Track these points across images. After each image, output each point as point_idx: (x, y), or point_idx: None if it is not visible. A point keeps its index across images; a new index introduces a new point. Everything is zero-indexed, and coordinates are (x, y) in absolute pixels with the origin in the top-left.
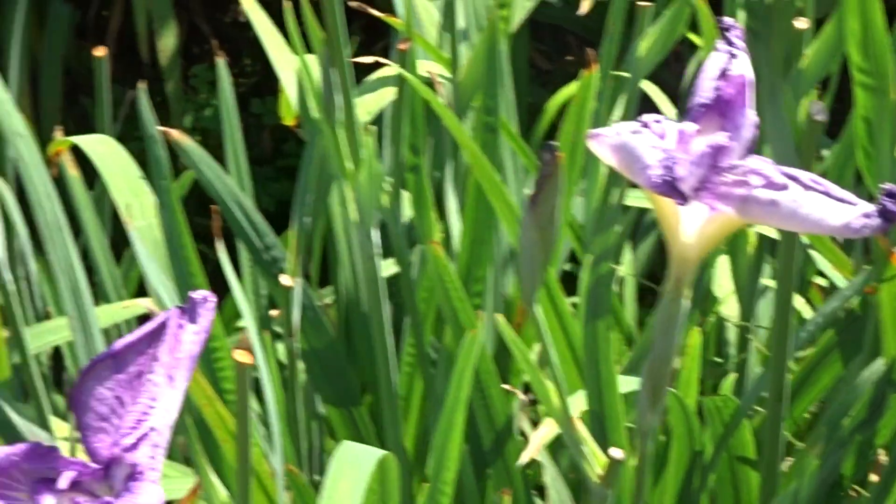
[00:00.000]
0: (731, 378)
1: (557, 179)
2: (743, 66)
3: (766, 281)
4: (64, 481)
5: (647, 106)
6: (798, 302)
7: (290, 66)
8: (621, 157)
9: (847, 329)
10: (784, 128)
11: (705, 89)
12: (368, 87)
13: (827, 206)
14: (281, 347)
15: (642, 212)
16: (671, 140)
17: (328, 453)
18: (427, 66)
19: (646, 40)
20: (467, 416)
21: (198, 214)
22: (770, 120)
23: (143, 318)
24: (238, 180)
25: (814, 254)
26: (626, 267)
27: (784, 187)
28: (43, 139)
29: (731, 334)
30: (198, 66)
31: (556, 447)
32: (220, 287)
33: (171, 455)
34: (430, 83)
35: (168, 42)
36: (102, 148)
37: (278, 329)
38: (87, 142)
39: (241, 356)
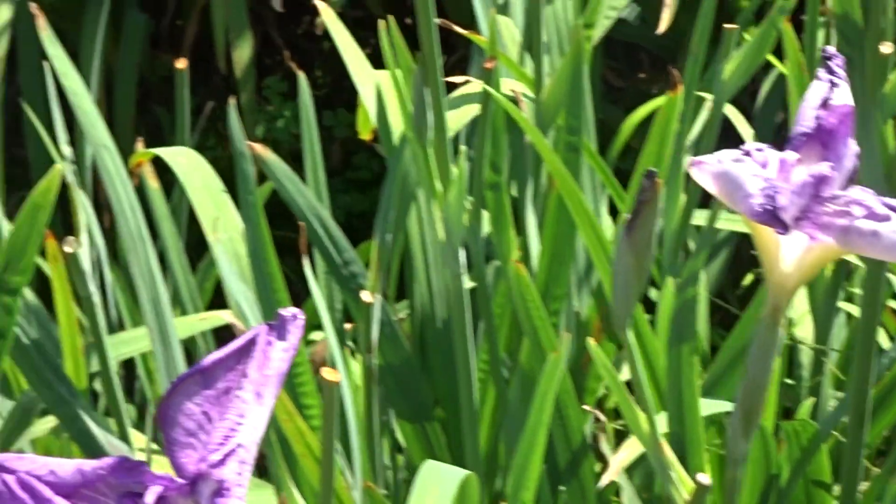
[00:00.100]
0: (809, 402)
1: (655, 206)
2: (844, 96)
3: (842, 304)
4: (150, 496)
5: (724, 127)
6: None
7: (369, 80)
8: (722, 185)
9: None
10: (873, 154)
11: (807, 118)
12: (450, 105)
13: None
14: (351, 361)
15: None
16: (773, 169)
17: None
18: (510, 85)
19: (731, 63)
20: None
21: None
22: (860, 146)
23: (220, 330)
24: (316, 193)
25: (889, 276)
26: (700, 287)
27: (886, 218)
28: (118, 148)
29: (804, 357)
30: (270, 78)
31: (629, 467)
32: (292, 299)
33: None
34: (513, 102)
35: (243, 53)
36: (184, 160)
37: (349, 343)
38: (169, 154)
39: (328, 374)
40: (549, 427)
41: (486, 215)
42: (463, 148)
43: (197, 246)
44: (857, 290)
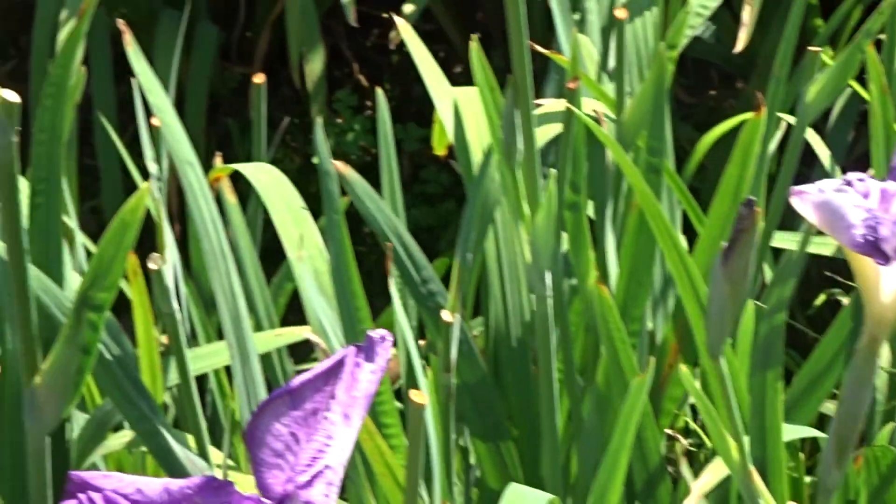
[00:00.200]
0: (889, 427)
1: (754, 234)
2: None
3: None
4: None
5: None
6: None
7: (446, 96)
8: (823, 215)
9: None
10: None
11: None
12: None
13: None
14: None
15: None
16: (874, 199)
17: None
18: (591, 105)
19: (815, 85)
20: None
21: None
22: None
23: (297, 346)
24: (392, 210)
25: None
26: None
27: None
28: None
29: (880, 381)
30: (341, 91)
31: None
32: None
33: None
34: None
35: (315, 67)
36: (265, 177)
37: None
38: (249, 170)
39: (416, 397)
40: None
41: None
42: (553, 171)
43: (269, 260)
44: None
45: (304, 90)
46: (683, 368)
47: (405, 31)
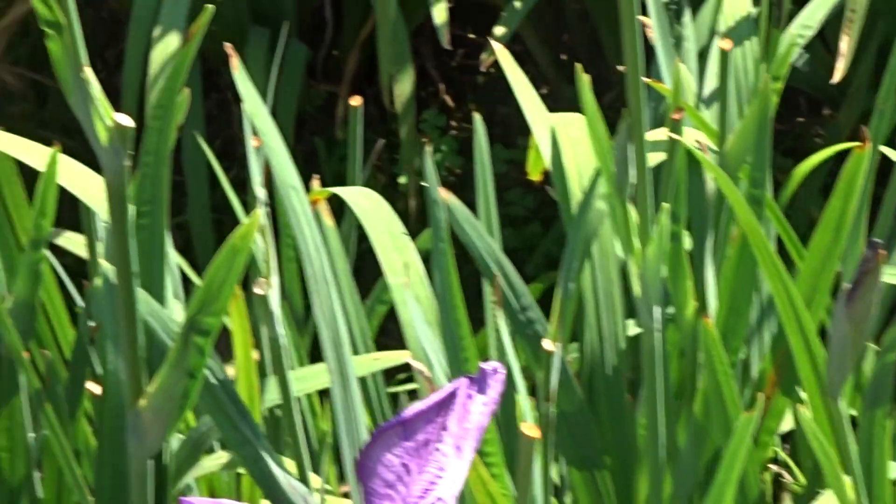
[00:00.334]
0: None
1: (878, 276)
2: None
3: None
4: None
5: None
6: None
7: (543, 121)
8: None
9: None
10: None
11: None
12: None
13: None
14: None
15: None
16: None
17: None
18: (693, 135)
19: None
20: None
21: None
22: None
23: (392, 371)
24: (489, 234)
25: None
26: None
27: None
28: None
29: None
30: (428, 112)
31: None
32: None
33: None
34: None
35: (405, 87)
36: (365, 201)
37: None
38: (348, 193)
39: (528, 430)
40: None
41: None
42: (665, 206)
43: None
44: None
45: (384, 107)
46: (803, 410)
47: (502, 56)
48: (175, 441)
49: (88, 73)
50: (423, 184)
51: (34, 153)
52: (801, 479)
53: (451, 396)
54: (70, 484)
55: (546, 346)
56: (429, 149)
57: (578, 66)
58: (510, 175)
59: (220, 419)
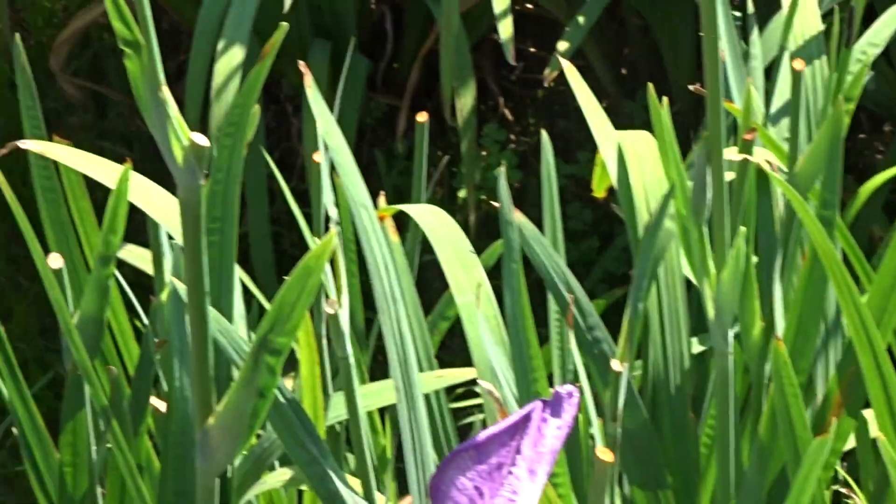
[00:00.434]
0: None
1: None
2: None
3: None
4: None
5: None
6: None
7: (610, 138)
8: None
9: None
10: None
11: None
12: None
13: None
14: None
15: None
16: None
17: None
18: (762, 155)
19: None
20: None
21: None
22: None
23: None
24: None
25: None
26: None
27: None
28: None
29: None
30: (489, 126)
31: None
32: None
33: None
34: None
35: (466, 102)
36: (432, 219)
37: None
38: (415, 211)
39: (602, 454)
40: None
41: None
42: (742, 229)
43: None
44: None
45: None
46: (881, 437)
47: (569, 72)
48: (237, 457)
49: (166, 92)
50: (482, 198)
51: (102, 168)
52: (863, 499)
53: (525, 420)
54: (133, 500)
55: (614, 367)
56: (502, 169)
57: (650, 86)
58: (569, 189)
59: (288, 438)
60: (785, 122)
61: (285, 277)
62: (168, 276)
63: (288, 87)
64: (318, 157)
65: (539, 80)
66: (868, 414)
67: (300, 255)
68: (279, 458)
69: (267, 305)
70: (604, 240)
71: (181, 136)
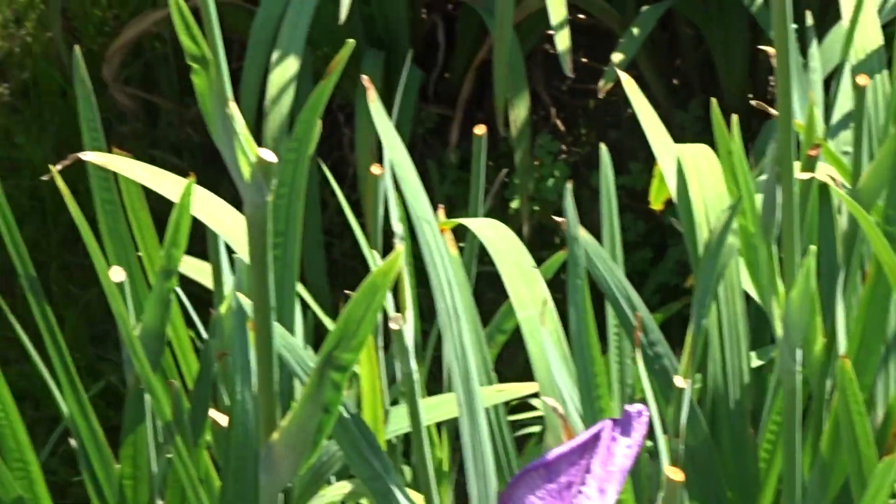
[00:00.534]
0: None
1: None
2: None
3: None
4: None
5: None
6: None
7: (669, 151)
8: None
9: None
10: None
11: None
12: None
13: None
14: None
15: None
16: None
17: None
18: (824, 170)
19: None
20: None
21: None
22: None
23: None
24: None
25: None
26: None
27: None
28: None
29: None
30: (542, 137)
31: None
32: None
33: None
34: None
35: (520, 113)
36: (492, 233)
37: None
38: (477, 224)
39: (672, 473)
40: None
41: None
42: (812, 248)
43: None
44: None
45: (493, 130)
46: None
47: (628, 85)
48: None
49: (233, 107)
50: (535, 208)
51: (162, 180)
52: None
53: (595, 439)
54: None
55: (678, 383)
56: (568, 186)
57: (713, 102)
58: (621, 200)
59: (351, 452)
60: (843, 136)
61: (347, 292)
62: (227, 288)
63: (339, 96)
64: (377, 169)
65: (591, 91)
66: None
67: (352, 264)
68: (336, 472)
69: (322, 316)
70: (656, 251)
71: (248, 152)
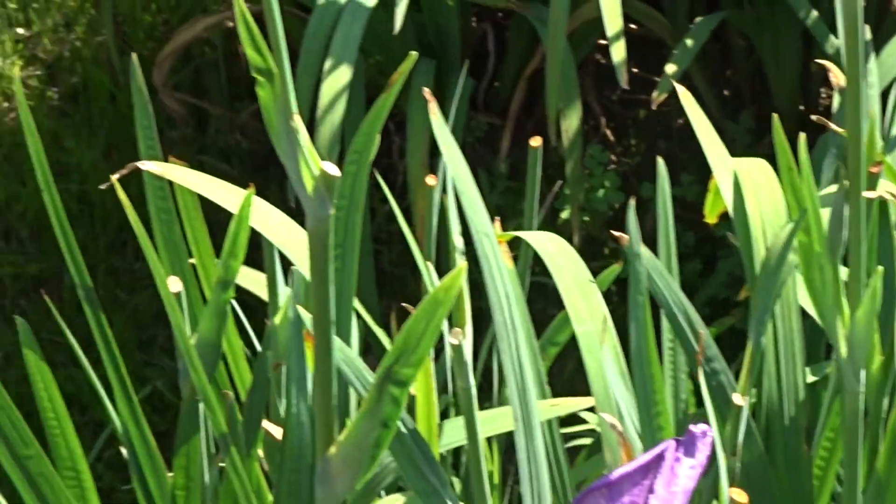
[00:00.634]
0: None
1: None
2: None
3: None
4: None
5: None
6: None
7: (725, 165)
8: None
9: None
10: None
11: None
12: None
13: None
14: None
15: None
16: None
17: None
18: (885, 187)
19: None
20: None
21: None
22: None
23: (568, 419)
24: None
25: None
26: None
27: None
28: None
29: None
30: (593, 147)
31: None
32: None
33: None
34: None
35: (572, 123)
36: (552, 246)
37: None
38: (534, 238)
39: (737, 496)
40: None
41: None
42: (880, 268)
43: None
44: None
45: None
46: None
47: (685, 98)
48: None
49: (297, 121)
50: (585, 219)
51: (219, 189)
52: None
53: (659, 459)
54: None
55: (736, 401)
56: (632, 202)
57: (775, 118)
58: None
59: (408, 467)
60: None
61: (405, 306)
62: (282, 299)
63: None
64: (432, 180)
65: (641, 100)
66: None
67: (400, 272)
68: (386, 485)
69: (374, 326)
70: (706, 262)
71: (312, 166)
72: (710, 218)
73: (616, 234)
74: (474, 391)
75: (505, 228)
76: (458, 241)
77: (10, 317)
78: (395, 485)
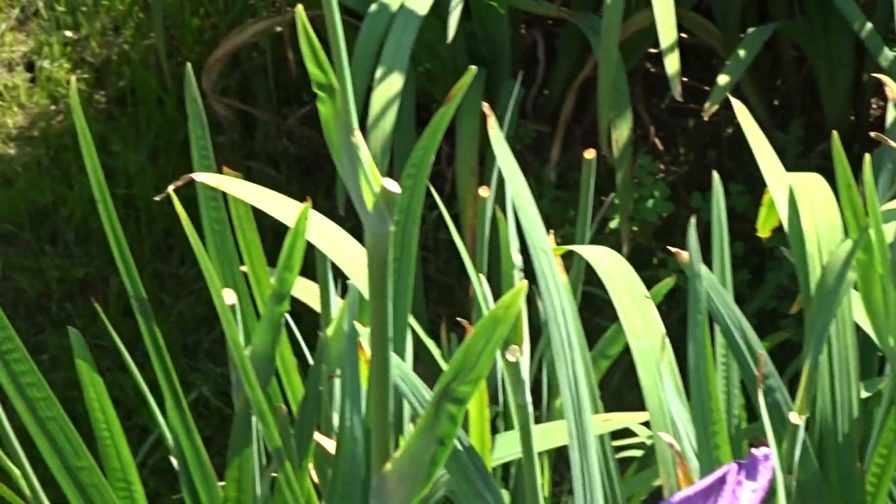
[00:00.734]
0: None
1: None
2: None
3: None
4: None
5: None
6: None
7: (780, 179)
8: None
9: None
10: None
11: None
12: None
13: None
14: None
15: None
16: None
17: None
18: None
19: None
20: None
21: None
22: None
23: (619, 433)
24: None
25: None
26: None
27: None
28: None
29: None
30: (643, 157)
31: None
32: None
33: None
34: None
35: (623, 132)
36: (608, 261)
37: None
38: (590, 252)
39: None
40: None
41: None
42: None
43: None
44: None
45: (585, 147)
46: None
47: (740, 112)
48: None
49: (358, 136)
50: (634, 229)
51: (274, 201)
52: None
53: (720, 482)
54: None
55: (793, 420)
56: (692, 220)
57: (835, 135)
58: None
59: (463, 484)
60: None
61: (461, 321)
62: (335, 311)
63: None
64: (485, 191)
65: (690, 110)
66: None
67: (446, 280)
68: (437, 500)
69: (423, 335)
70: (754, 273)
71: (372, 182)
72: (763, 232)
73: (673, 250)
74: (531, 409)
75: (558, 240)
76: (516, 258)
77: (57, 320)
78: (444, 497)
